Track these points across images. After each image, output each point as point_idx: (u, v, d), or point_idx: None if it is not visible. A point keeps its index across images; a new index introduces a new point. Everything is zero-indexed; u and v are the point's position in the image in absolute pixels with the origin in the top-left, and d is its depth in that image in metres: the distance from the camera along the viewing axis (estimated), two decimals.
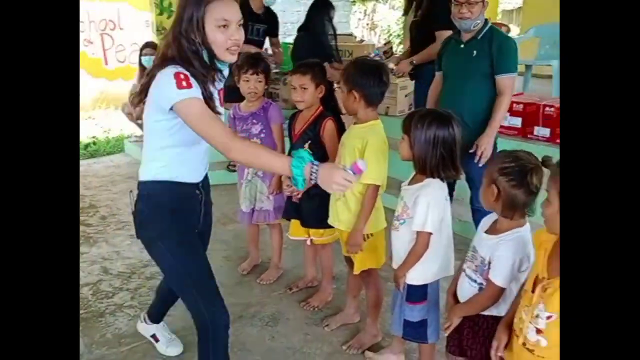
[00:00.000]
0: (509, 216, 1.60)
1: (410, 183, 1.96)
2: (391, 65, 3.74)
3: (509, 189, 1.57)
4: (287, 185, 2.58)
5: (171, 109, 1.58)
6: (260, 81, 2.72)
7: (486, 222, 1.73)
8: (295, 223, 2.72)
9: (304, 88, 2.48)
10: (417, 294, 1.96)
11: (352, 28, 4.18)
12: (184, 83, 1.56)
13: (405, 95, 4.58)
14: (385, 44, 5.57)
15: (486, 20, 2.77)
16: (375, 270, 2.34)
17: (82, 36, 7.51)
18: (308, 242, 2.72)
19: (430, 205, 1.85)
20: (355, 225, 2.18)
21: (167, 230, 1.76)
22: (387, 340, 2.37)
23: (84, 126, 6.30)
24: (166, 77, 1.58)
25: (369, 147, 2.11)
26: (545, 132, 3.69)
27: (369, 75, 2.13)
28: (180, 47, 1.62)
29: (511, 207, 1.59)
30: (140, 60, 4.99)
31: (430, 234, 1.86)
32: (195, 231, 1.87)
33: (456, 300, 1.76)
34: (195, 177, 1.81)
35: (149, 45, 4.96)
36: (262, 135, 2.79)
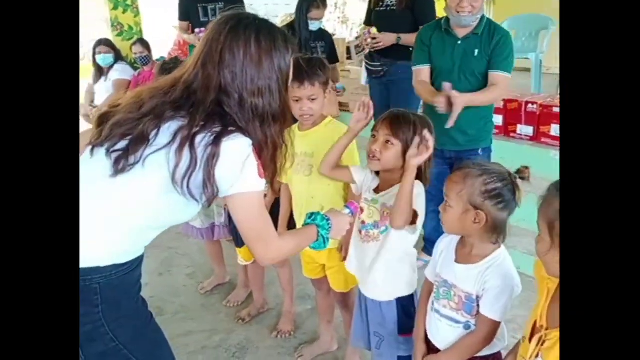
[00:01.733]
0: (493, 240, 1.40)
1: (379, 191, 1.70)
2: (356, 43, 3.50)
3: (497, 212, 1.36)
4: None
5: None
6: None
7: (447, 248, 1.50)
8: (245, 248, 2.43)
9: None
10: (408, 316, 1.70)
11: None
12: (262, 169, 1.20)
13: None
14: (357, 38, 5.33)
15: (483, 14, 2.47)
16: (355, 289, 2.08)
17: None
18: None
19: (424, 205, 1.63)
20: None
21: (133, 328, 1.20)
22: None
23: None
24: (245, 155, 1.15)
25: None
26: (529, 130, 3.50)
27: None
28: (251, 111, 1.18)
29: (496, 231, 1.39)
30: (94, 58, 4.68)
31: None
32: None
33: (429, 348, 1.52)
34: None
35: (102, 42, 4.65)
36: None
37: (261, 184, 1.19)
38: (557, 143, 3.30)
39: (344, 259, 1.96)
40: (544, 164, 3.23)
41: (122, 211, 1.13)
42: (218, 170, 1.11)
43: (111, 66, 4.72)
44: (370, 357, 2.06)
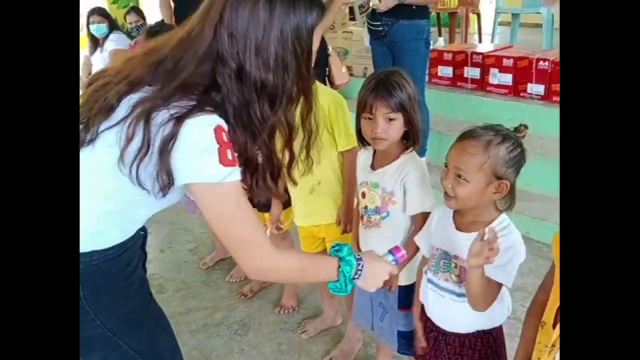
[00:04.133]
0: (504, 206, 1.29)
1: (375, 166, 1.58)
2: (360, 2, 3.30)
3: (514, 178, 1.25)
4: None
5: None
6: None
7: (443, 216, 1.37)
8: None
9: None
10: (409, 296, 1.63)
11: None
12: (229, 154, 0.94)
13: None
14: None
15: None
16: None
17: None
18: (267, 233, 2.32)
19: (423, 180, 1.51)
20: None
21: (124, 314, 1.10)
22: (372, 346, 2.07)
23: None
24: (209, 136, 0.93)
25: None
26: (539, 89, 3.35)
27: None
28: (254, 88, 0.97)
29: (511, 197, 1.28)
30: (88, 28, 4.53)
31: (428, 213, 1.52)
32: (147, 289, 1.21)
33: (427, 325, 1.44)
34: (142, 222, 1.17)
35: (95, 11, 4.48)
36: None
37: (226, 173, 0.95)
38: None
39: (344, 231, 1.88)
40: (555, 124, 3.09)
41: (83, 195, 0.99)
42: (174, 156, 0.93)
43: (106, 36, 4.58)
44: (370, 335, 2.01)
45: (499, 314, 1.33)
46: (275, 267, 1.08)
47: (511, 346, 2.00)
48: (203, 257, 2.85)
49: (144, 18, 4.63)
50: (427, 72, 3.39)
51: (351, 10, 5.45)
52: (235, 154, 0.97)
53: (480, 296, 1.24)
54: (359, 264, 1.13)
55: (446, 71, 3.87)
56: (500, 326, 1.37)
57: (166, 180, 0.95)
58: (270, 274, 1.12)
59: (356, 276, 1.13)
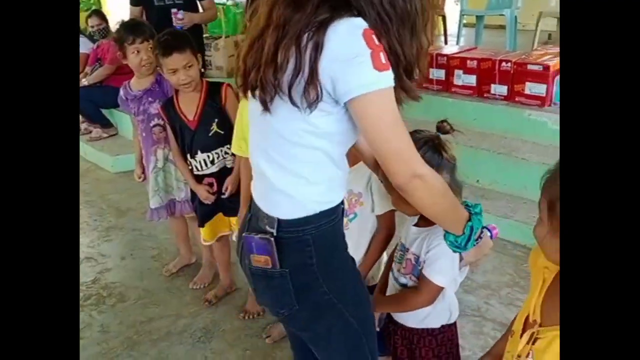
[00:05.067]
0: None
1: None
2: None
3: None
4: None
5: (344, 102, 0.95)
6: (151, 48, 2.24)
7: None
8: (207, 227, 2.31)
9: (189, 66, 2.03)
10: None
11: None
12: (382, 58, 0.90)
13: None
14: None
15: None
16: None
17: None
18: (233, 238, 2.27)
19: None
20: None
21: (344, 281, 1.13)
22: None
23: None
24: (356, 41, 0.89)
25: None
26: (503, 90, 3.38)
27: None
28: None
29: None
30: None
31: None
32: None
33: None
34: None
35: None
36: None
37: (383, 79, 0.90)
38: (532, 102, 3.19)
39: None
40: (518, 125, 3.14)
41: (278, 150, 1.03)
42: (322, 65, 0.89)
43: None
44: None
45: (439, 310, 1.34)
46: (425, 176, 0.99)
47: (476, 343, 2.01)
48: (166, 264, 2.78)
49: (106, 21, 4.54)
50: None
51: None
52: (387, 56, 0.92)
53: (402, 306, 1.35)
54: (482, 230, 1.13)
55: None
56: (451, 333, 1.39)
57: (314, 94, 0.92)
58: (418, 185, 0.99)
59: (478, 240, 1.12)
